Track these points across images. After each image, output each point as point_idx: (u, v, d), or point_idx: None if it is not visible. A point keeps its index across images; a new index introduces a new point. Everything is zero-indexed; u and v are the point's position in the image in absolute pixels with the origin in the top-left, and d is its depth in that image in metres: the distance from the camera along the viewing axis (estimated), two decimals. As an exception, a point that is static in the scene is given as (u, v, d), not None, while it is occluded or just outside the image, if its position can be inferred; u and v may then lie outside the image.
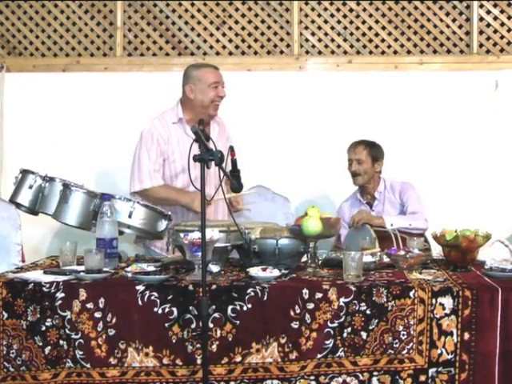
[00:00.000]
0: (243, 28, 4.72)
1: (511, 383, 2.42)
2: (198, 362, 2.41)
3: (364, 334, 2.42)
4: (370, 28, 4.69)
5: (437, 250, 3.02)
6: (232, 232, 2.78)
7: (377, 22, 4.67)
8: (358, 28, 4.69)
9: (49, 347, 2.44)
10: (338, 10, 4.70)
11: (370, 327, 2.42)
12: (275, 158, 4.56)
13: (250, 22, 4.72)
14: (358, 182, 3.89)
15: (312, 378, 2.41)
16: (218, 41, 4.74)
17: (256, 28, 4.72)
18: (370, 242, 3.14)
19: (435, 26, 4.65)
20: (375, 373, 2.42)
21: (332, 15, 4.70)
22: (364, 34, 4.70)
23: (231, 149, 3.00)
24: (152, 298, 2.44)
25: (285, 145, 4.57)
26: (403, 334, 2.42)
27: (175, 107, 3.48)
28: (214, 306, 2.41)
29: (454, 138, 4.55)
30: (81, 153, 4.61)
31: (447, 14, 4.65)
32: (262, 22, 4.72)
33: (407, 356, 2.42)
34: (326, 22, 4.70)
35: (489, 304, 2.41)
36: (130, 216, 2.99)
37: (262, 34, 4.72)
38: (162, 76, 4.65)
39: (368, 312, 2.42)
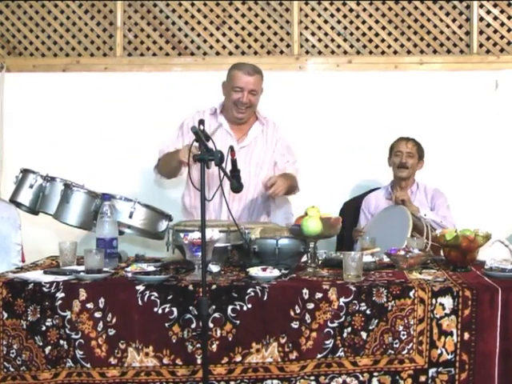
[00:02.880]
0: (243, 28, 4.72)
1: (511, 383, 2.42)
2: (198, 361, 2.41)
3: (364, 334, 2.42)
4: (370, 28, 4.68)
5: None
6: (232, 232, 2.78)
7: (377, 22, 4.67)
8: (358, 28, 4.69)
9: (49, 347, 2.44)
10: (338, 10, 4.69)
11: (370, 327, 2.42)
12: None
13: (250, 22, 4.72)
14: (404, 174, 3.92)
15: (312, 378, 2.41)
16: (218, 41, 4.73)
17: (256, 28, 4.72)
18: (406, 224, 3.17)
19: (435, 26, 4.65)
20: (375, 373, 2.41)
21: (332, 15, 4.69)
22: (364, 34, 4.69)
23: (231, 149, 3.00)
24: (152, 298, 2.44)
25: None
26: (403, 334, 2.42)
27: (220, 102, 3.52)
28: (213, 306, 2.41)
29: (453, 138, 4.55)
30: (81, 153, 4.60)
31: (447, 14, 4.65)
32: (262, 22, 4.71)
33: (407, 356, 2.42)
34: (326, 22, 4.70)
35: (489, 304, 2.41)
36: (130, 216, 2.99)
37: (262, 34, 4.72)
38: (161, 76, 4.65)
39: (368, 312, 2.42)
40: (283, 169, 3.48)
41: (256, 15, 4.71)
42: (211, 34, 4.74)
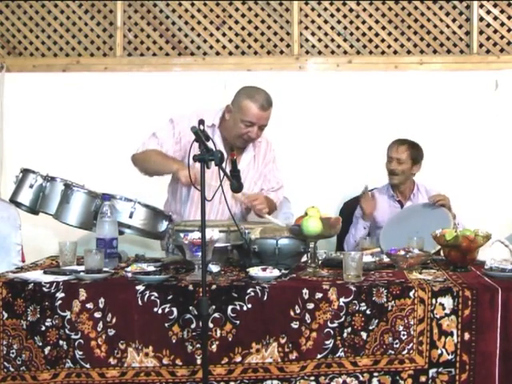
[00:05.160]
0: (243, 28, 4.72)
1: None
2: (198, 362, 2.41)
3: (364, 335, 2.42)
4: (370, 28, 4.68)
5: None
6: (232, 232, 2.78)
7: (377, 22, 4.67)
8: (358, 28, 4.69)
9: (48, 347, 2.44)
10: (338, 9, 4.69)
11: (370, 327, 2.42)
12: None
13: (250, 22, 4.72)
14: (394, 181, 3.88)
15: (312, 378, 2.41)
16: (218, 41, 4.73)
17: (256, 28, 4.72)
18: (447, 225, 3.13)
19: (435, 26, 4.65)
20: (375, 373, 2.41)
21: (332, 15, 4.69)
22: (364, 34, 4.69)
23: (231, 149, 3.00)
24: (152, 298, 2.44)
25: (284, 145, 4.55)
26: (403, 334, 2.42)
27: (219, 111, 3.28)
28: (213, 306, 2.41)
29: (453, 138, 4.55)
30: (81, 153, 4.60)
31: (447, 14, 4.65)
32: (262, 22, 4.71)
33: (407, 356, 2.42)
34: (326, 22, 4.70)
35: (489, 304, 2.41)
36: (130, 216, 2.99)
37: (262, 33, 4.72)
38: (161, 76, 4.65)
39: (368, 312, 2.42)
40: (266, 193, 3.39)
41: (256, 15, 4.71)
42: (211, 34, 4.73)
